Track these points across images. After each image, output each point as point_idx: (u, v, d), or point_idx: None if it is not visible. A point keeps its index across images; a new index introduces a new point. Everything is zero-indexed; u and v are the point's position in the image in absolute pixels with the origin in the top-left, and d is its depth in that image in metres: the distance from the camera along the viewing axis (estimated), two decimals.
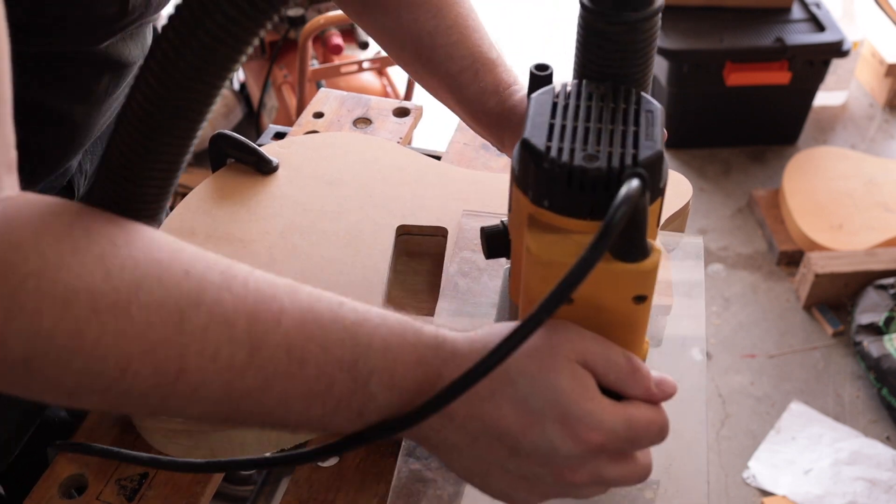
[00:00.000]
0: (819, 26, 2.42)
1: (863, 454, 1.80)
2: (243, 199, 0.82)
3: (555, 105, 0.50)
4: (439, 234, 0.81)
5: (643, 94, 0.51)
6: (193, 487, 0.68)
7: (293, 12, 2.17)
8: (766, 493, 1.75)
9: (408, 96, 2.11)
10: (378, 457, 0.71)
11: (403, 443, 0.64)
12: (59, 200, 0.45)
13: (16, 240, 0.41)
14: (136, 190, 0.46)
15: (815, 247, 2.18)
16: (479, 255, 0.77)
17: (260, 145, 0.88)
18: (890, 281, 2.02)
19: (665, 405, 0.51)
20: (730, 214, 2.41)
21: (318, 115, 1.00)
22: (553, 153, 0.47)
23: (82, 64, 0.71)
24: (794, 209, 2.26)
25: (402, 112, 1.01)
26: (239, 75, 2.61)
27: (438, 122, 1.52)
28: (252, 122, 2.51)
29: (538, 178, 0.48)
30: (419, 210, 0.83)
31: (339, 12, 1.90)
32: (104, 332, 0.42)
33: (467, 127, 0.99)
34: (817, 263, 2.08)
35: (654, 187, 0.48)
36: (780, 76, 2.39)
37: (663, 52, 2.36)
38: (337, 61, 2.09)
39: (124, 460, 0.66)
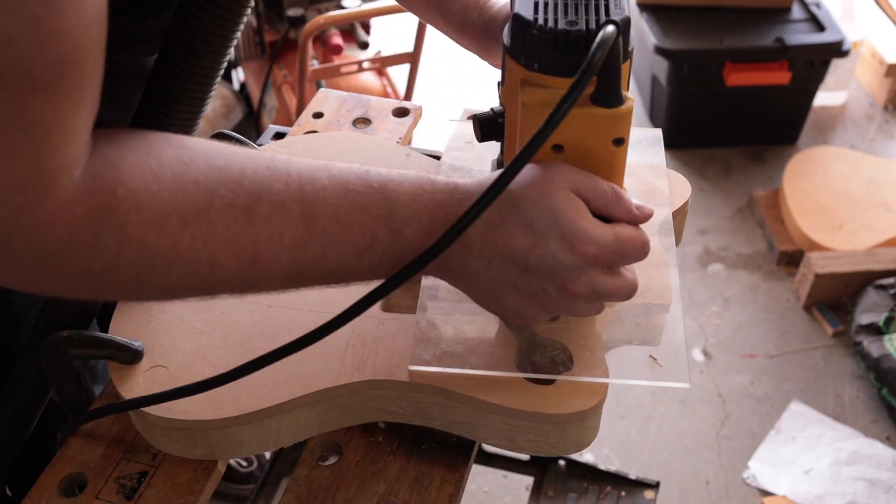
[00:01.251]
0: (819, 26, 2.42)
1: (863, 454, 1.80)
2: None
3: None
4: None
5: None
6: (192, 486, 0.68)
7: (293, 12, 2.17)
8: (766, 493, 1.75)
9: (407, 96, 2.11)
10: (377, 456, 0.71)
11: (419, 301, 0.70)
12: (127, 132, 0.54)
13: (110, 184, 0.49)
14: (179, 107, 0.61)
15: (815, 247, 2.18)
16: (467, 154, 0.85)
17: (260, 145, 0.88)
18: (890, 281, 2.02)
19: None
20: (730, 214, 2.41)
21: (318, 116, 1.00)
22: (540, 21, 0.56)
23: (130, 77, 0.77)
24: (794, 209, 2.26)
25: (401, 112, 1.01)
26: (239, 75, 2.61)
27: (438, 123, 1.53)
28: (252, 122, 2.50)
29: (528, 44, 0.58)
30: None
31: (340, 12, 1.90)
32: (194, 239, 0.52)
33: (467, 123, 0.98)
34: (817, 263, 2.08)
35: (624, 48, 0.57)
36: (780, 76, 2.39)
37: (663, 52, 2.36)
38: (337, 61, 2.09)
39: (142, 406, 0.65)
